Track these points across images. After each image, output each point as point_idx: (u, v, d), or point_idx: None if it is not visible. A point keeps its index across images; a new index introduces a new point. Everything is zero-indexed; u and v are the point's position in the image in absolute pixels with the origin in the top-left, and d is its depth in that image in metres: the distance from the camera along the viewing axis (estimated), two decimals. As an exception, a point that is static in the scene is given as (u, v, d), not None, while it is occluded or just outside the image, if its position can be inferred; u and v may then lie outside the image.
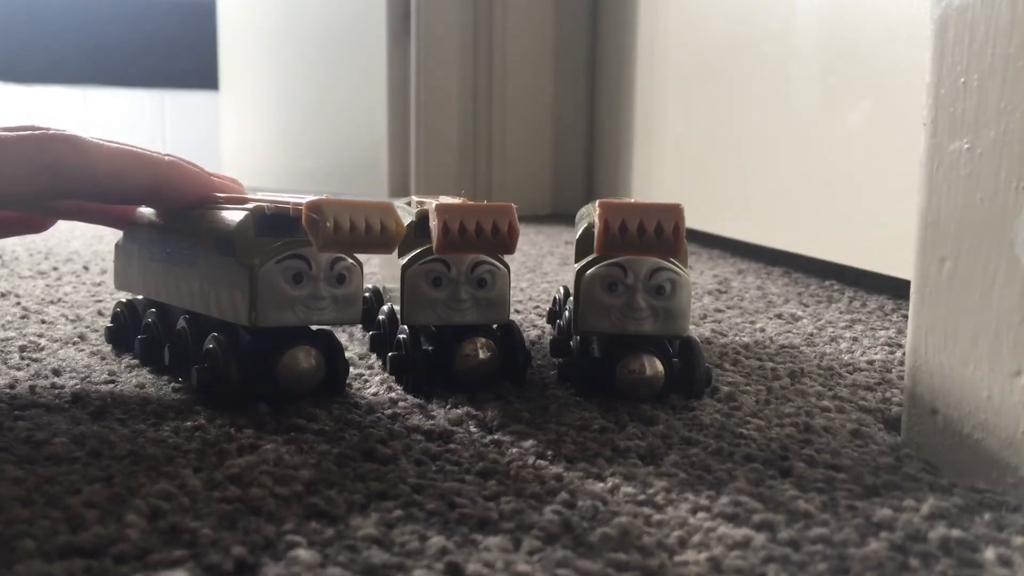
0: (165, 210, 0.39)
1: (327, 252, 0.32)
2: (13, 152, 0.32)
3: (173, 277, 0.38)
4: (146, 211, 0.40)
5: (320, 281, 0.33)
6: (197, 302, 0.36)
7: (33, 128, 0.33)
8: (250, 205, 0.34)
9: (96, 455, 0.29)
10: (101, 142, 0.34)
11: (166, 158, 0.36)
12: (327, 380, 0.35)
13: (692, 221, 0.41)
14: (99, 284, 0.64)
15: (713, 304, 0.61)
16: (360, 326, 0.50)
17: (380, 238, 0.31)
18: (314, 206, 0.31)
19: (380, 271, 0.52)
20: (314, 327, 0.35)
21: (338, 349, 0.36)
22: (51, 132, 0.33)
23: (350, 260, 0.34)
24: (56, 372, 0.39)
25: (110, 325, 0.43)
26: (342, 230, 0.31)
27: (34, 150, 0.33)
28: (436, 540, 0.23)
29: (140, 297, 0.43)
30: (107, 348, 0.44)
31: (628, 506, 0.26)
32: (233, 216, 0.34)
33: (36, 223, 0.41)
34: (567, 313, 0.44)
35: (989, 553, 0.23)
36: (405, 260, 0.37)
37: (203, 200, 0.37)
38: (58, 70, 2.20)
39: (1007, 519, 0.25)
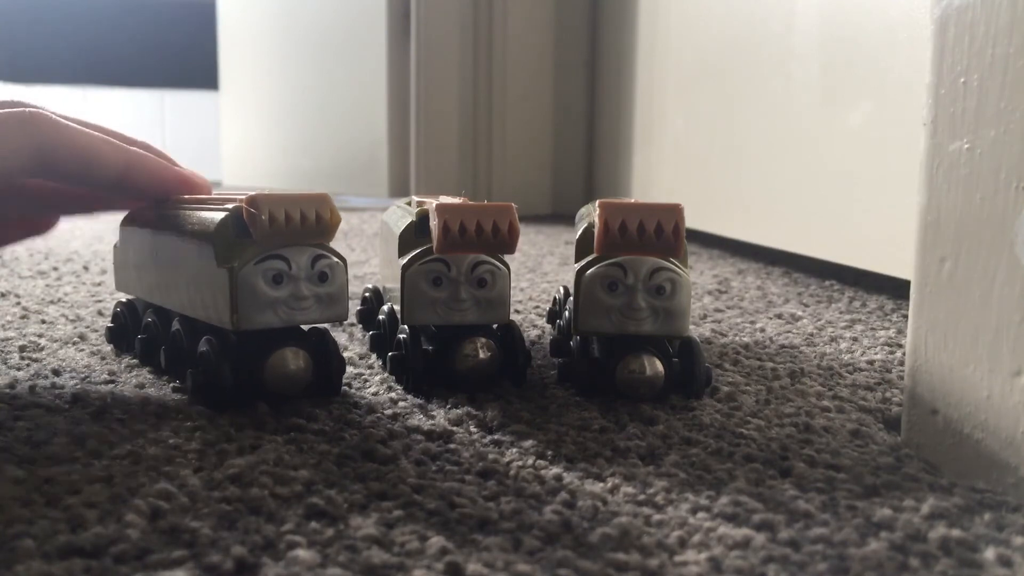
0: (145, 203, 0.39)
1: (267, 245, 0.33)
2: None
3: (164, 280, 0.37)
4: (138, 213, 0.40)
5: (301, 280, 0.33)
6: (186, 305, 0.36)
7: (12, 103, 0.34)
8: (230, 205, 0.34)
9: (96, 455, 0.29)
10: (73, 122, 0.35)
11: (135, 144, 0.37)
12: (321, 380, 0.35)
13: (692, 221, 0.41)
14: (99, 284, 0.64)
15: (713, 304, 0.61)
16: (360, 326, 0.50)
17: (317, 228, 0.33)
18: (251, 200, 0.32)
19: (380, 271, 0.52)
20: (306, 327, 0.35)
21: (332, 348, 0.35)
22: (30, 109, 0.34)
23: (333, 258, 0.34)
24: (56, 372, 0.39)
25: (111, 325, 0.43)
26: (278, 222, 0.32)
27: (16, 126, 0.33)
28: (436, 540, 0.23)
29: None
30: (107, 348, 0.44)
31: (628, 506, 0.26)
32: (213, 217, 0.34)
33: (39, 225, 0.41)
34: (567, 313, 0.44)
35: (989, 553, 0.23)
36: (405, 260, 0.37)
37: (173, 188, 0.37)
38: (58, 70, 2.20)
39: (1007, 519, 0.25)
